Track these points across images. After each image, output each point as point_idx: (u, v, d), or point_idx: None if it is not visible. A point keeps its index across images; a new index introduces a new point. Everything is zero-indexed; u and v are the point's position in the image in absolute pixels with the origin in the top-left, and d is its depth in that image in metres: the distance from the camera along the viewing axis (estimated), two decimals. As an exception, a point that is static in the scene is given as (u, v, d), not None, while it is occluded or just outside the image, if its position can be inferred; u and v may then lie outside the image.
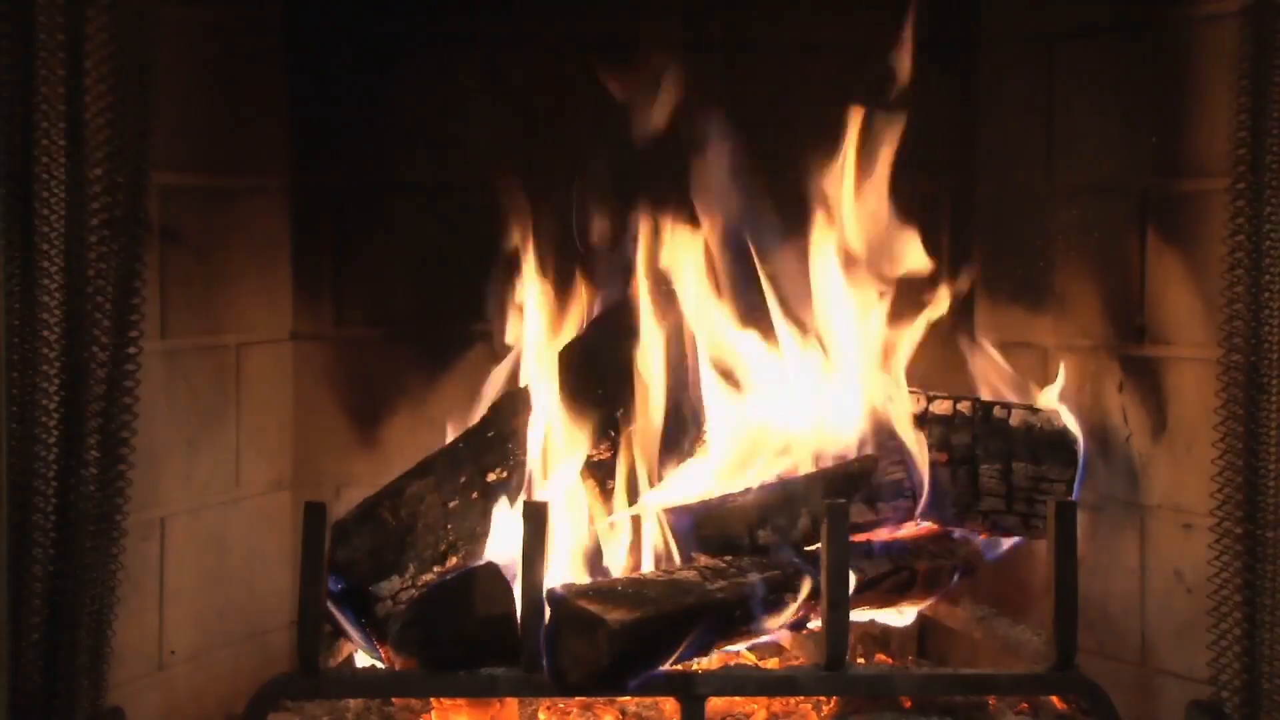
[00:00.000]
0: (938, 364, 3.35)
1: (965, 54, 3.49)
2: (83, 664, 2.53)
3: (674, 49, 3.42)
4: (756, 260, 3.28)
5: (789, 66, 3.47)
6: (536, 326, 3.27)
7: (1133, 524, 3.11)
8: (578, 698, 2.96)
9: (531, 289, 3.28)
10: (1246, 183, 2.62)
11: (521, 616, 2.82)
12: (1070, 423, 3.15)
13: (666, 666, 2.84)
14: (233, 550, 3.25)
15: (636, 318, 3.24)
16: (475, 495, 3.06)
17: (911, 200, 3.33)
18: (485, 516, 3.05)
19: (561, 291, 3.29)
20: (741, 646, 3.08)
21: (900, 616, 3.21)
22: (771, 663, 3.29)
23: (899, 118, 3.28)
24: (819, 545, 2.89)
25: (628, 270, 3.27)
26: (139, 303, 2.57)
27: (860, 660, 3.36)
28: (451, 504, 3.03)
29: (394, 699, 3.09)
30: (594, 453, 3.19)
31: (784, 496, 3.06)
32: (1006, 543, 3.22)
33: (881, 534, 3.13)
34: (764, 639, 3.07)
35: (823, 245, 3.27)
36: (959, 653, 3.41)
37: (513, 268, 3.30)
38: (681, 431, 3.23)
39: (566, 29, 3.43)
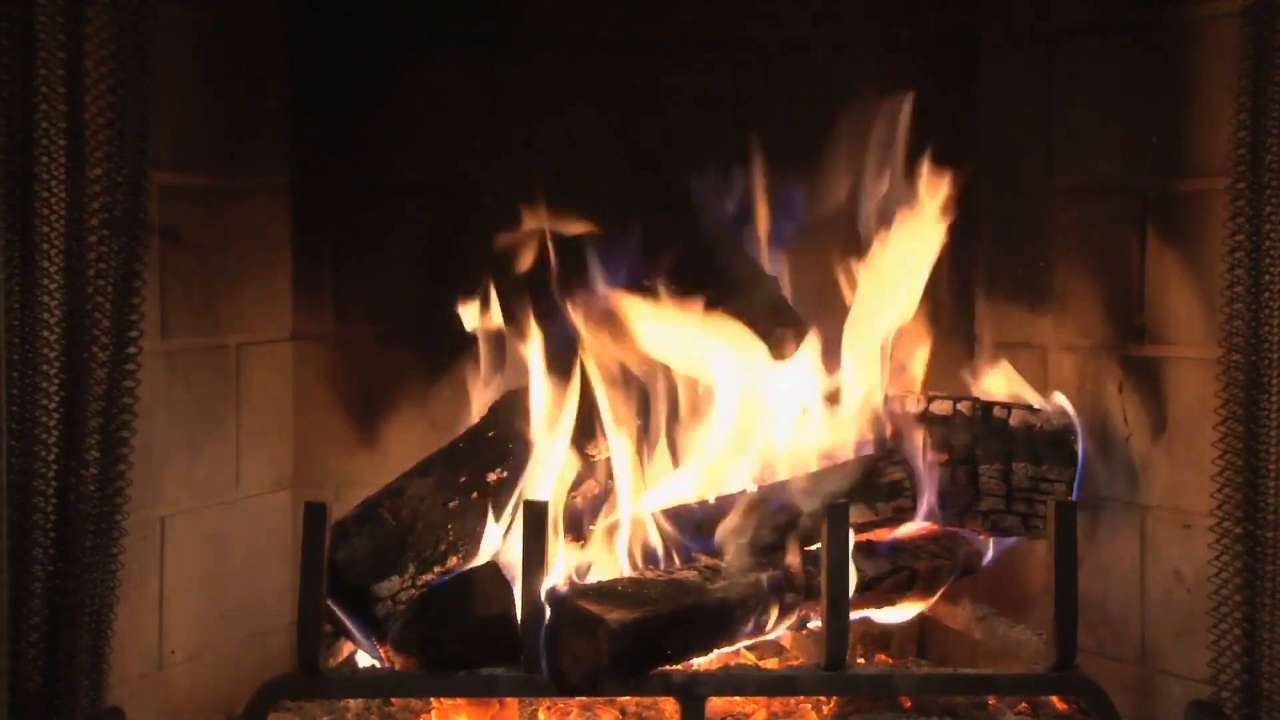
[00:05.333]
0: (938, 364, 3.36)
1: (965, 54, 3.49)
2: (83, 664, 2.53)
3: (673, 47, 3.43)
4: (758, 260, 3.28)
5: (788, 65, 3.47)
6: (535, 325, 3.27)
7: (1133, 524, 3.11)
8: (578, 698, 2.96)
9: (530, 289, 3.27)
10: (1246, 182, 2.61)
11: (521, 616, 2.82)
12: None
13: (666, 666, 2.84)
14: (233, 550, 3.25)
15: (636, 317, 3.24)
16: (475, 495, 3.07)
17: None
18: (485, 517, 3.05)
19: (560, 290, 3.29)
20: (741, 646, 3.08)
21: (899, 614, 3.21)
22: (771, 663, 3.29)
23: (899, 117, 3.30)
24: (819, 545, 2.89)
25: (626, 269, 3.27)
26: (139, 303, 2.57)
27: (860, 660, 3.36)
28: (451, 504, 3.03)
29: (394, 699, 3.09)
30: (594, 452, 3.19)
31: (784, 496, 3.06)
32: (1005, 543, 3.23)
33: (881, 534, 3.13)
34: (764, 639, 3.07)
35: (825, 247, 3.28)
36: (959, 653, 3.40)
37: (512, 268, 3.30)
38: (682, 432, 3.23)
39: (566, 27, 3.43)
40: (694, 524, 3.04)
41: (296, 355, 3.44)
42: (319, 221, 3.44)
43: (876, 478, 3.10)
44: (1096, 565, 3.13)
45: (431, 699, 3.00)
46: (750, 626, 2.93)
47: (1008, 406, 3.18)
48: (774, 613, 2.93)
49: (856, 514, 2.97)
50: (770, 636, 3.06)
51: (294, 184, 3.41)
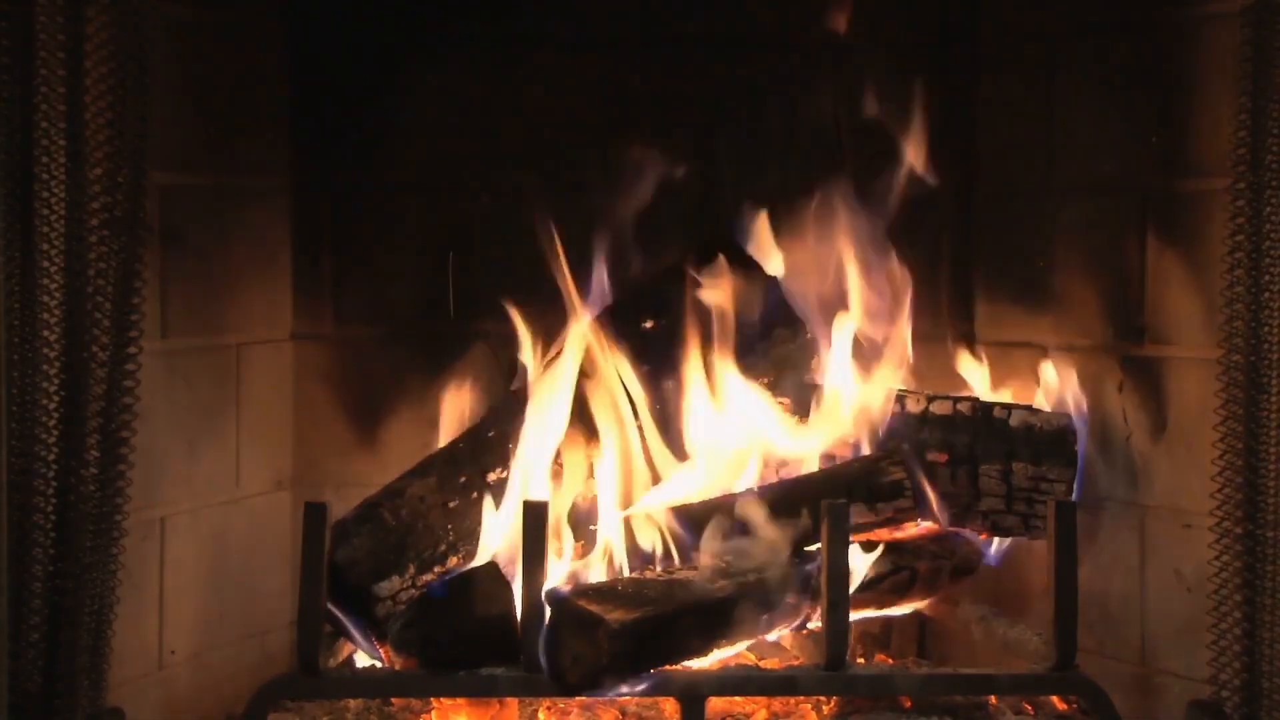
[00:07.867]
0: (937, 364, 3.36)
1: (965, 54, 3.49)
2: (83, 664, 2.53)
3: (670, 47, 3.43)
4: (757, 259, 3.28)
5: (786, 64, 3.47)
6: (536, 327, 3.27)
7: (1133, 524, 3.11)
8: (578, 698, 2.96)
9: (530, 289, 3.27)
10: (1246, 182, 2.62)
11: (521, 616, 2.82)
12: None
13: (666, 666, 2.84)
14: (233, 550, 3.25)
15: (637, 317, 3.24)
16: (475, 495, 3.07)
17: (911, 201, 3.35)
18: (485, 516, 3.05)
19: (561, 290, 3.29)
20: (741, 646, 3.08)
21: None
22: (771, 663, 3.29)
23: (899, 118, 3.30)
24: (819, 545, 2.89)
25: (627, 271, 3.27)
26: (139, 303, 2.57)
27: (860, 660, 3.36)
28: (451, 504, 3.03)
29: (394, 699, 3.09)
30: (593, 452, 3.19)
31: (783, 496, 3.06)
32: (1005, 543, 3.23)
33: (881, 534, 3.13)
34: (765, 639, 3.07)
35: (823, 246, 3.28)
36: (959, 653, 3.40)
37: (512, 267, 3.30)
38: (683, 431, 3.23)
39: (565, 28, 3.43)
40: (695, 523, 3.04)
41: (296, 355, 3.44)
42: (319, 221, 3.45)
43: (876, 478, 3.10)
44: (1096, 565, 3.13)
45: (431, 699, 3.00)
46: (751, 626, 2.93)
47: (1008, 406, 3.18)
48: (775, 613, 2.93)
49: (856, 514, 2.97)
50: (771, 637, 3.06)
51: (294, 184, 3.42)
